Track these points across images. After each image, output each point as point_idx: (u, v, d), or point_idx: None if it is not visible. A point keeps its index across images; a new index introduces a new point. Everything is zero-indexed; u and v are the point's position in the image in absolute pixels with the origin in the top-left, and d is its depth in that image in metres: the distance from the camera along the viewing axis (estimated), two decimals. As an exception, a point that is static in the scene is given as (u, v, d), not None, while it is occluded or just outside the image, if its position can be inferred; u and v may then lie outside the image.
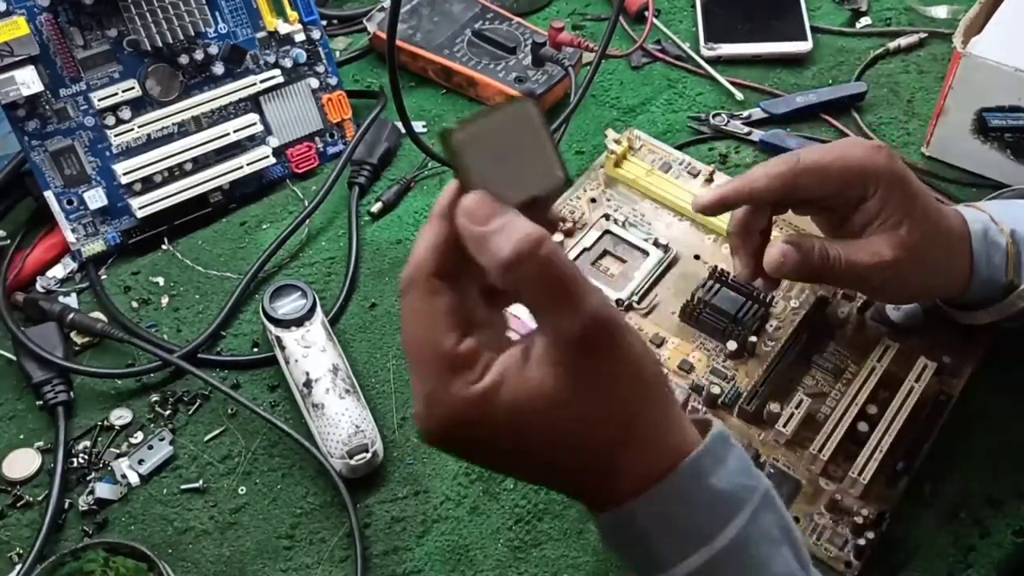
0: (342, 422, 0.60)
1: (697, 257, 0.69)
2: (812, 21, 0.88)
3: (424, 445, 0.61)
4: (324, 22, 0.79)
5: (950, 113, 0.73)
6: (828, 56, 0.86)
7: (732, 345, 0.64)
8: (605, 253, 0.69)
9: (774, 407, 0.60)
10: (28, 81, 0.64)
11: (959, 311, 0.62)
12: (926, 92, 0.82)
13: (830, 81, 0.83)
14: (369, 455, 0.59)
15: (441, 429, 0.39)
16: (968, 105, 0.72)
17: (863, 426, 0.59)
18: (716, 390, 0.62)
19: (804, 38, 0.85)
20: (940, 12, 0.89)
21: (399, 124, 0.75)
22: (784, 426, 0.59)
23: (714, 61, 0.85)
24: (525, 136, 0.38)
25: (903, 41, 0.86)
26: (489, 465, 0.43)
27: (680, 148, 0.77)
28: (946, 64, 0.76)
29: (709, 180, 0.73)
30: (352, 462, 0.59)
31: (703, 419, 0.43)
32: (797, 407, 0.60)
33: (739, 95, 0.82)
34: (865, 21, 0.89)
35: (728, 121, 0.80)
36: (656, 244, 0.69)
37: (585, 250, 0.69)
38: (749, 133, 0.79)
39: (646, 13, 0.85)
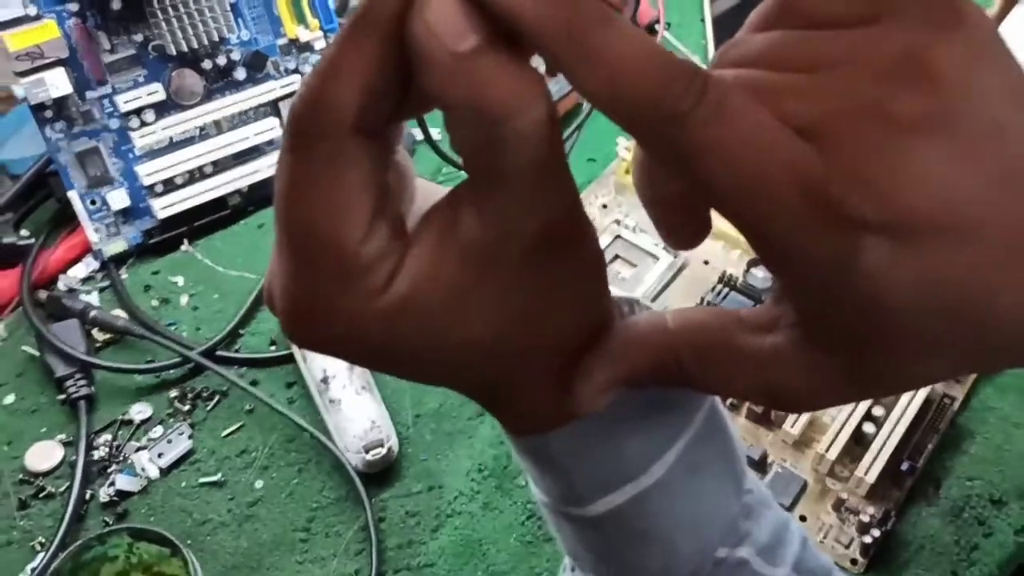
0: (358, 418, 0.61)
1: (706, 262, 0.71)
2: (819, 35, 0.89)
3: (438, 442, 0.63)
4: (342, 31, 0.80)
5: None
6: (835, 69, 0.87)
7: (740, 348, 0.65)
8: (616, 257, 0.71)
9: (781, 408, 0.62)
10: (57, 83, 0.66)
11: None
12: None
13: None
14: (384, 450, 0.60)
15: (316, 345, 0.29)
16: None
17: (869, 427, 0.60)
18: (725, 391, 0.63)
19: (811, 51, 0.87)
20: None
21: (415, 130, 0.76)
22: (792, 427, 0.61)
23: (723, 73, 0.86)
24: None
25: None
26: (381, 371, 0.31)
27: (690, 157, 0.78)
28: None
29: (718, 188, 0.74)
30: (368, 457, 0.60)
31: (635, 309, 0.33)
32: (804, 408, 0.61)
33: (747, 106, 0.83)
34: (871, 36, 0.90)
35: (737, 131, 0.81)
36: (666, 249, 0.71)
37: (596, 254, 0.71)
38: (757, 143, 0.80)
39: (657, 26, 0.87)
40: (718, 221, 0.70)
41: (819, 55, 0.25)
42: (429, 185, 0.31)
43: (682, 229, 0.32)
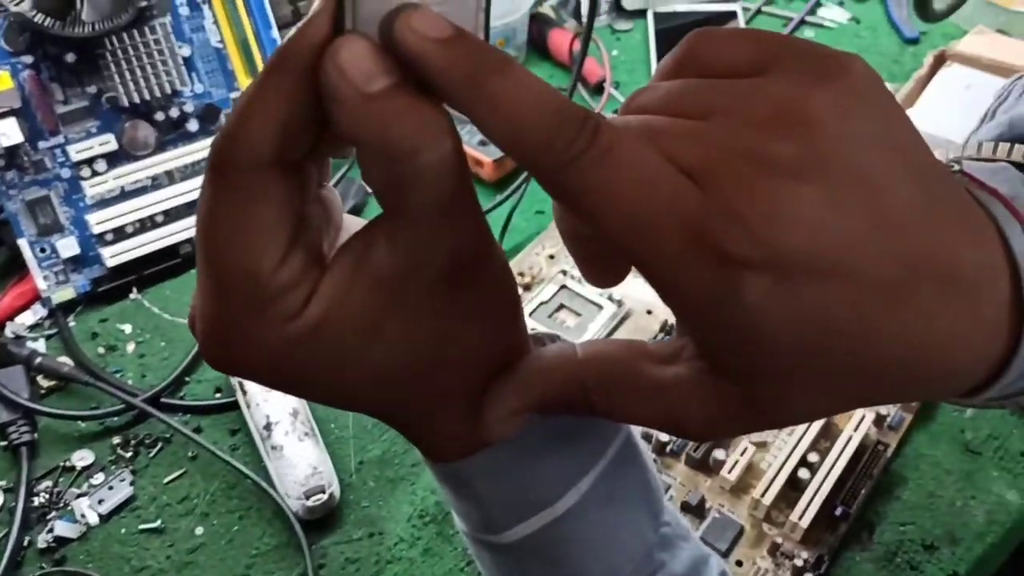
0: (300, 464, 0.61)
1: (649, 312, 0.72)
2: (762, 95, 0.92)
3: (380, 489, 0.63)
4: (297, 86, 0.82)
5: (888, 181, 0.78)
6: (776, 128, 0.90)
7: (680, 395, 0.66)
8: (561, 307, 0.72)
9: (719, 455, 0.63)
10: (8, 132, 0.67)
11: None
12: (868, 163, 0.86)
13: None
14: (326, 496, 0.60)
15: (231, 368, 0.30)
16: (904, 173, 0.76)
17: (804, 473, 0.61)
18: (664, 438, 0.64)
19: (754, 111, 0.90)
20: (883, 90, 0.94)
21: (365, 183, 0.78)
22: (729, 473, 0.62)
23: (669, 130, 0.89)
24: None
25: (847, 115, 0.90)
26: (297, 396, 0.33)
27: (635, 210, 0.80)
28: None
29: (661, 240, 0.76)
30: (309, 503, 0.60)
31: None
32: (741, 455, 0.62)
33: (692, 162, 0.86)
34: (812, 96, 0.94)
35: (681, 186, 0.83)
36: (610, 299, 0.72)
37: (542, 304, 0.72)
38: (700, 197, 0.83)
39: (604, 84, 0.90)
40: None
41: (711, 102, 0.27)
42: (357, 220, 0.32)
43: (599, 265, 0.34)
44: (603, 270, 0.34)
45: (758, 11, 1.06)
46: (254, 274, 0.27)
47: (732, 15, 1.02)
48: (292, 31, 0.26)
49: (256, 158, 0.26)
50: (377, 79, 0.25)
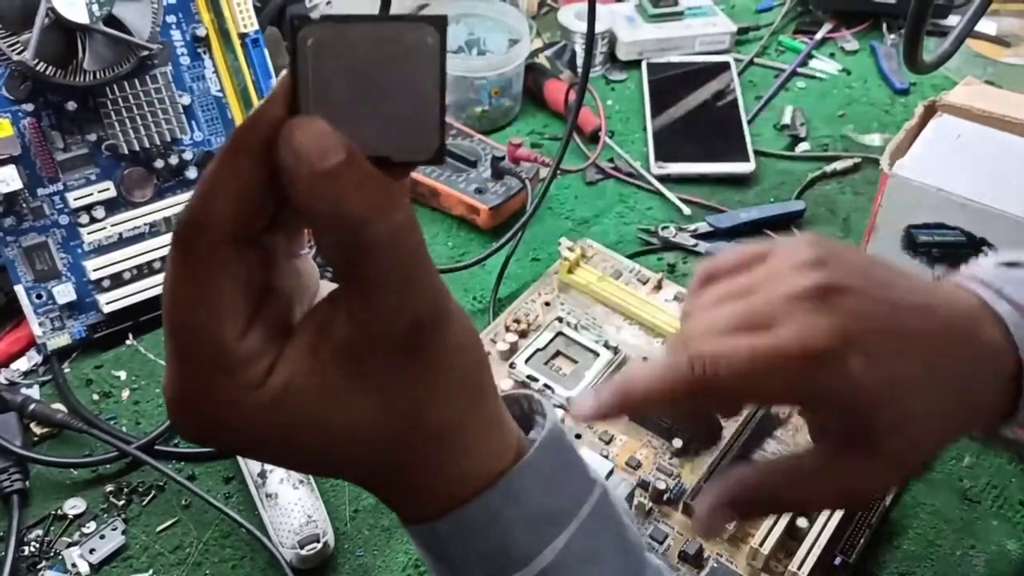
0: (295, 512, 0.61)
1: (645, 359, 0.72)
2: (755, 145, 0.94)
3: (375, 538, 0.62)
4: (295, 134, 0.83)
5: (881, 230, 0.78)
6: (770, 176, 0.91)
7: (678, 443, 0.66)
8: (558, 354, 0.72)
9: (717, 503, 0.62)
10: (8, 179, 0.67)
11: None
12: (861, 211, 0.87)
13: (772, 199, 0.89)
14: (320, 545, 0.60)
15: (197, 435, 0.31)
16: (896, 222, 0.77)
17: (802, 522, 0.61)
18: (662, 486, 0.63)
19: (747, 160, 0.91)
20: (874, 140, 0.96)
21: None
22: (727, 521, 0.61)
23: (663, 179, 0.90)
24: (410, 74, 0.27)
25: (839, 165, 0.92)
26: (266, 463, 0.35)
27: (631, 257, 0.81)
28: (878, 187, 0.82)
29: (658, 287, 0.77)
30: (303, 552, 0.59)
31: (536, 408, 0.37)
32: (739, 503, 0.62)
33: (687, 210, 0.87)
34: (804, 146, 0.95)
35: (676, 234, 0.84)
36: (606, 346, 0.72)
37: (538, 350, 0.72)
38: (696, 245, 0.83)
39: (599, 134, 0.91)
40: (656, 320, 0.76)
41: (750, 279, 0.40)
42: (333, 287, 0.33)
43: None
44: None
45: (750, 62, 1.07)
46: (217, 345, 0.29)
47: (725, 66, 1.04)
48: (250, 112, 0.28)
49: (216, 234, 0.28)
50: (329, 156, 0.27)
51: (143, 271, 0.75)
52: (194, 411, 0.30)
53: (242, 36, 0.77)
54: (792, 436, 0.67)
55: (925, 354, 0.38)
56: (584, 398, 0.39)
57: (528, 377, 0.70)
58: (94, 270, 0.72)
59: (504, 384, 0.69)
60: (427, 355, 0.31)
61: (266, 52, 0.78)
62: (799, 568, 0.58)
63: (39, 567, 0.61)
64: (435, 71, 0.27)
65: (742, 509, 0.41)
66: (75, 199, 0.71)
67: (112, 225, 0.73)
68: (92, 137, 0.72)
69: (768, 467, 0.42)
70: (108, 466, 0.66)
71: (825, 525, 0.60)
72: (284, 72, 0.28)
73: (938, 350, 0.39)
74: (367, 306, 0.29)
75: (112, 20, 0.67)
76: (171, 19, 0.74)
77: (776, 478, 0.40)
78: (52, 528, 0.63)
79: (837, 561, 0.60)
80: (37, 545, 0.62)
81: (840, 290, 0.37)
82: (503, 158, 0.85)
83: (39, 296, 0.72)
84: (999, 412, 0.41)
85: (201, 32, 0.75)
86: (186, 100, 0.75)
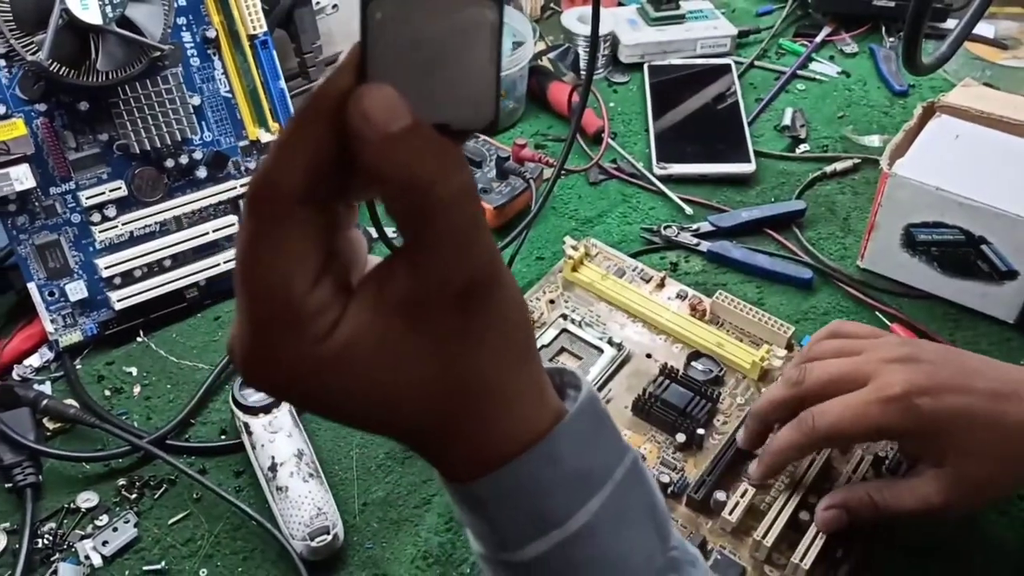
0: (305, 504, 0.62)
1: (649, 355, 0.73)
2: (756, 146, 0.95)
3: (384, 530, 0.63)
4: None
5: (881, 229, 0.79)
6: (770, 177, 0.92)
7: (681, 437, 0.67)
8: (562, 350, 0.73)
9: (720, 496, 0.63)
10: (21, 178, 0.68)
11: None
12: (860, 211, 0.88)
13: (772, 199, 0.90)
14: (330, 537, 0.61)
15: (267, 388, 0.33)
16: (896, 221, 0.78)
17: (804, 515, 0.62)
18: (666, 479, 0.64)
19: (748, 160, 0.92)
20: (873, 141, 0.97)
21: (371, 229, 0.79)
22: (730, 514, 0.62)
23: (666, 179, 0.91)
24: (469, 46, 0.29)
25: (839, 166, 0.93)
26: (323, 417, 0.36)
27: (634, 256, 0.82)
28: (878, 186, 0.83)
29: (660, 285, 0.78)
30: (313, 544, 0.60)
31: (571, 381, 0.38)
32: (742, 496, 0.63)
33: (689, 210, 0.88)
34: (804, 147, 0.96)
35: (679, 233, 0.85)
36: (610, 343, 0.73)
37: (543, 347, 0.73)
38: (698, 244, 0.84)
39: (602, 135, 0.92)
40: (659, 317, 0.77)
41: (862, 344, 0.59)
42: (380, 259, 0.34)
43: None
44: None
45: (751, 65, 1.08)
46: (287, 297, 0.30)
47: (726, 69, 1.05)
48: (320, 80, 0.29)
49: (289, 193, 0.30)
50: (397, 120, 0.28)
51: (154, 269, 0.76)
52: (264, 362, 0.31)
53: (251, 38, 0.78)
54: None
55: (994, 400, 0.53)
56: (753, 471, 0.62)
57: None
58: (105, 268, 0.73)
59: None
60: (481, 314, 0.32)
61: (275, 54, 0.79)
62: (801, 560, 0.59)
63: (53, 559, 0.62)
64: (492, 45, 0.29)
65: (853, 513, 0.58)
66: (87, 198, 0.72)
67: (123, 224, 0.74)
68: (104, 137, 0.73)
69: (875, 484, 0.59)
70: (120, 460, 0.67)
71: (827, 517, 0.61)
72: (354, 43, 0.29)
73: (1006, 397, 0.53)
74: (427, 264, 0.31)
75: (124, 21, 0.69)
76: (182, 21, 0.75)
77: (880, 492, 0.57)
78: (65, 521, 0.64)
79: (839, 553, 0.61)
80: (51, 538, 0.63)
81: (919, 359, 0.55)
82: (508, 158, 0.86)
83: (51, 293, 0.73)
84: None
85: (211, 34, 0.76)
86: (196, 101, 0.76)
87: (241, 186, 0.78)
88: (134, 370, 0.74)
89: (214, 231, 0.77)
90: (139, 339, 0.76)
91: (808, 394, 0.58)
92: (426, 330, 0.32)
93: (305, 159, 0.29)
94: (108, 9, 0.67)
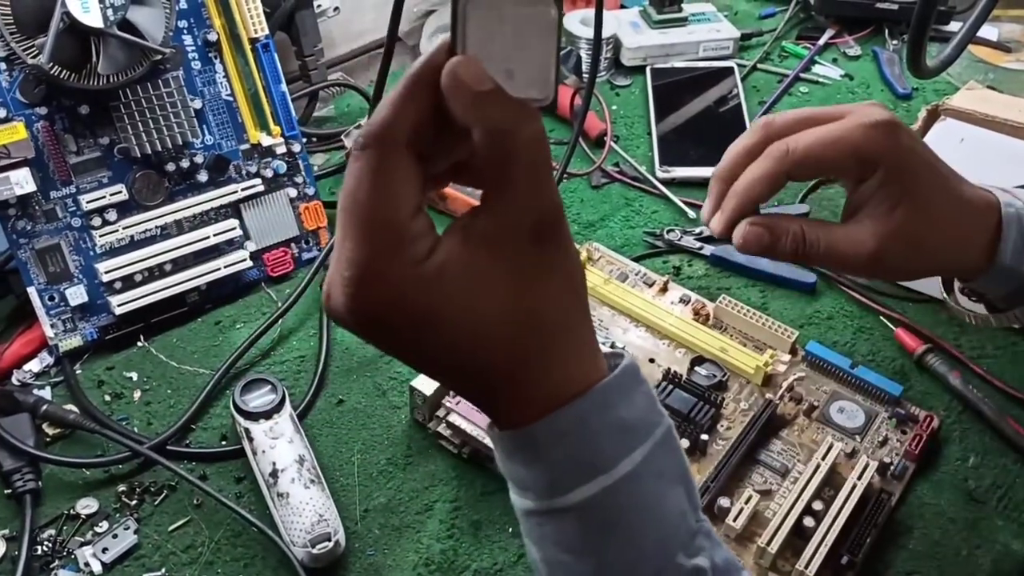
0: (306, 511, 0.61)
1: (652, 360, 0.73)
2: (759, 149, 0.94)
3: (385, 537, 0.63)
4: (304, 139, 0.84)
5: (885, 232, 0.79)
6: (774, 180, 0.92)
7: (685, 443, 0.67)
8: (564, 355, 0.73)
9: (724, 502, 0.63)
10: (22, 182, 0.68)
11: (995, 314, 0.58)
12: (865, 215, 0.88)
13: (776, 202, 0.89)
14: (331, 544, 0.60)
15: (373, 308, 0.36)
16: (901, 225, 0.78)
17: (809, 521, 0.62)
18: (669, 486, 0.64)
19: (752, 164, 0.92)
20: (877, 144, 0.96)
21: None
22: (734, 521, 0.62)
23: (668, 182, 0.91)
24: (535, 36, 0.36)
25: (843, 169, 0.92)
26: (403, 356, 0.39)
27: (636, 260, 0.81)
28: (881, 188, 0.83)
29: (663, 289, 0.78)
30: (314, 551, 0.60)
31: (615, 352, 0.41)
32: (746, 503, 0.63)
33: (691, 213, 0.87)
34: (808, 150, 0.96)
35: (681, 237, 0.85)
36: (613, 348, 0.73)
37: (545, 352, 0.73)
38: (701, 248, 0.84)
39: (605, 138, 0.92)
40: (662, 322, 0.76)
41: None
42: None
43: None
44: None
45: (754, 68, 1.08)
46: (396, 219, 0.35)
47: (728, 72, 1.05)
48: (421, 57, 0.36)
49: (401, 138, 0.35)
50: (484, 82, 0.35)
51: (154, 273, 0.75)
52: (375, 281, 0.35)
53: (253, 41, 0.77)
54: (797, 436, 0.68)
55: (960, 183, 0.51)
56: (712, 220, 0.53)
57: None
58: (106, 272, 0.73)
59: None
60: (551, 248, 0.37)
61: (276, 57, 0.79)
62: (806, 567, 0.59)
63: (52, 566, 0.61)
64: (554, 36, 0.36)
65: (776, 238, 0.50)
66: (87, 202, 0.72)
67: (124, 228, 0.73)
68: (104, 140, 0.72)
69: (811, 221, 0.51)
70: (120, 466, 0.67)
71: (832, 525, 0.61)
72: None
73: (958, 181, 0.52)
74: (505, 201, 0.36)
75: (126, 24, 0.68)
76: (183, 24, 0.74)
77: (813, 229, 0.50)
78: (65, 528, 0.64)
79: (844, 560, 0.60)
80: (50, 544, 0.62)
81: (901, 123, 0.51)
82: (510, 162, 0.86)
83: (51, 298, 0.73)
84: (977, 267, 0.52)
85: (212, 37, 0.76)
86: (197, 104, 0.76)
87: (243, 190, 0.78)
88: (134, 375, 0.73)
89: (215, 235, 0.77)
90: (139, 344, 0.75)
91: (780, 135, 0.51)
92: (506, 260, 0.36)
93: (412, 114, 0.35)
94: (109, 12, 0.67)
